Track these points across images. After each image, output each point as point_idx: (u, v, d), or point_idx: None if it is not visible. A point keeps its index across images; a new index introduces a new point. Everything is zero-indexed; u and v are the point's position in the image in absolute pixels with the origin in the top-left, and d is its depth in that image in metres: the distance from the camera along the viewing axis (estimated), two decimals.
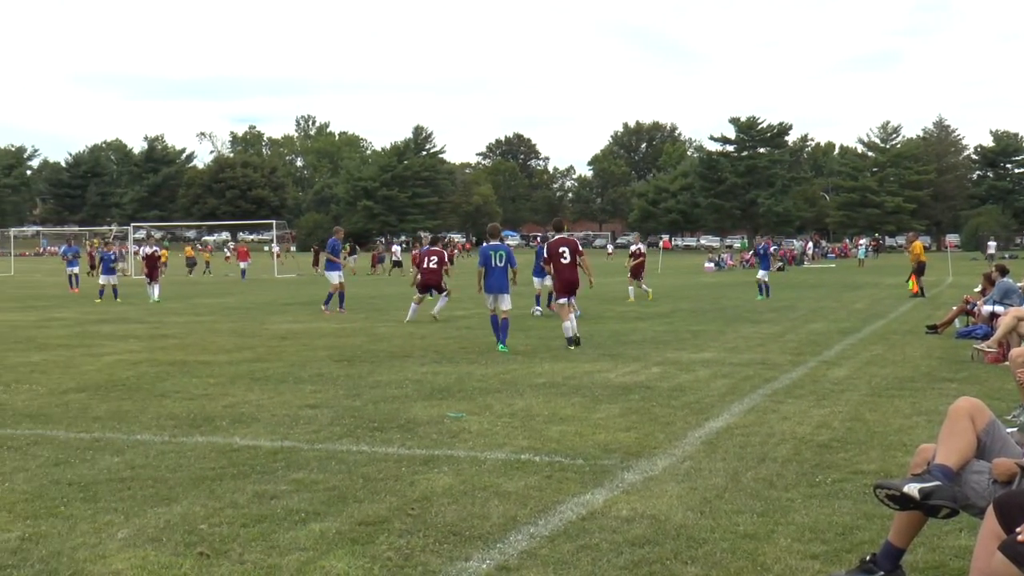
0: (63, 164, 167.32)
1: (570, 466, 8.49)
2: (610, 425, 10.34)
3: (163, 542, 6.47)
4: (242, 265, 57.67)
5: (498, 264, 17.92)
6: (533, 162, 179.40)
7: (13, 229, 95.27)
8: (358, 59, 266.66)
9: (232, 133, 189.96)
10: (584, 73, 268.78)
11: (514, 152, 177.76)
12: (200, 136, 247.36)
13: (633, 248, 33.56)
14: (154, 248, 34.56)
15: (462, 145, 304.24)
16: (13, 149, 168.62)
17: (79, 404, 11.86)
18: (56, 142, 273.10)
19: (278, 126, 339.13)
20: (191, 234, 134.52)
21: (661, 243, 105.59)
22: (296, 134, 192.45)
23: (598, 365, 15.20)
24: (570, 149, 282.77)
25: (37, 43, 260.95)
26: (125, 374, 14.46)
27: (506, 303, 17.84)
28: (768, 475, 8.11)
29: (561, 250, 18.34)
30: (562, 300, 18.23)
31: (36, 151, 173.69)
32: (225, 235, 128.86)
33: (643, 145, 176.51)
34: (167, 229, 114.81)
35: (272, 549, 6.30)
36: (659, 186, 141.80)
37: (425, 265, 24.31)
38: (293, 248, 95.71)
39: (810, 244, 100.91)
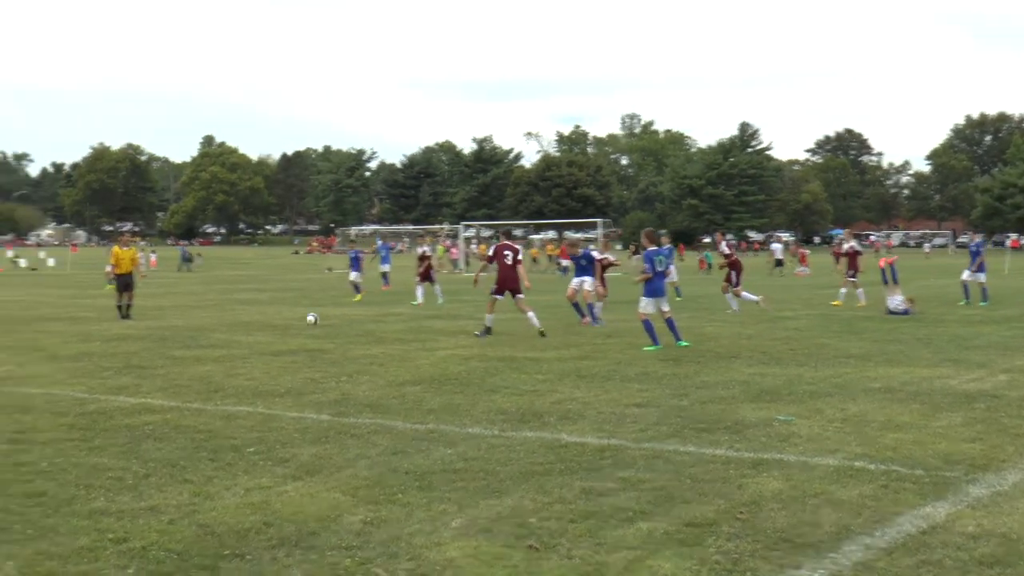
0: (398, 165, 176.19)
1: (908, 476, 8.07)
2: (952, 434, 9.77)
3: (494, 533, 6.61)
4: (564, 263, 58.61)
5: (660, 268, 18.21)
6: (865, 158, 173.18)
7: (354, 228, 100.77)
8: (682, 56, 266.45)
9: (558, 132, 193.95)
10: (920, 63, 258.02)
11: (845, 148, 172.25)
12: (527, 136, 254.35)
13: (725, 249, 27.32)
14: (423, 248, 33.29)
15: (790, 141, 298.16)
16: (354, 152, 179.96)
17: (414, 396, 12.34)
18: (392, 145, 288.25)
19: (603, 124, 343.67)
20: (518, 232, 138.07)
21: (1008, 242, 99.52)
22: (621, 132, 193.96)
23: (938, 371, 14.42)
24: (905, 143, 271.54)
25: (376, 52, 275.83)
26: (457, 369, 14.94)
27: (667, 304, 18.28)
28: None
29: (505, 253, 20.32)
30: (497, 296, 20.35)
31: (374, 153, 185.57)
32: (551, 233, 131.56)
33: (987, 138, 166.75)
34: (495, 228, 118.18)
35: (600, 546, 6.30)
36: (1006, 181, 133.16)
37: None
38: (619, 246, 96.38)
39: None
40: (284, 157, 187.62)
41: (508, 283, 20.37)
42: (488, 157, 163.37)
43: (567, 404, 11.68)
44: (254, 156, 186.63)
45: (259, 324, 22.91)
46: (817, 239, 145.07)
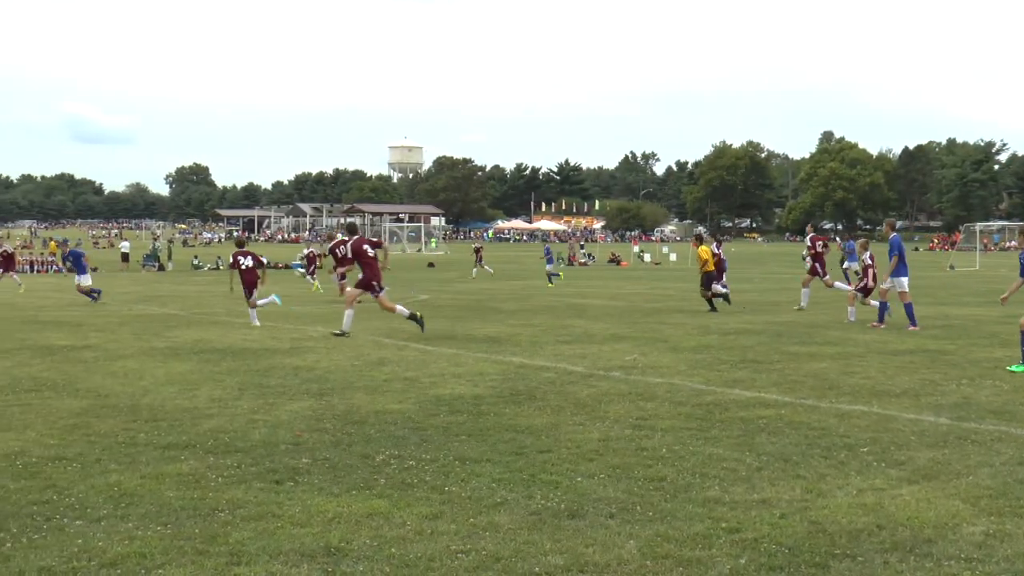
0: None
1: None
2: None
3: None
4: None
5: None
6: None
7: (979, 224, 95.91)
8: None
9: None
10: None
11: None
12: None
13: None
14: None
15: None
16: (982, 144, 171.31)
17: None
18: None
19: None
20: None
21: None
22: None
23: None
24: None
25: (1002, 37, 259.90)
26: None
27: None
28: None
29: (364, 248, 20.10)
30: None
31: (1004, 145, 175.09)
32: None
33: None
34: None
35: None
36: None
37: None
38: None
39: None
40: (905, 151, 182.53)
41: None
42: None
43: None
44: (874, 151, 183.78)
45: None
46: None
